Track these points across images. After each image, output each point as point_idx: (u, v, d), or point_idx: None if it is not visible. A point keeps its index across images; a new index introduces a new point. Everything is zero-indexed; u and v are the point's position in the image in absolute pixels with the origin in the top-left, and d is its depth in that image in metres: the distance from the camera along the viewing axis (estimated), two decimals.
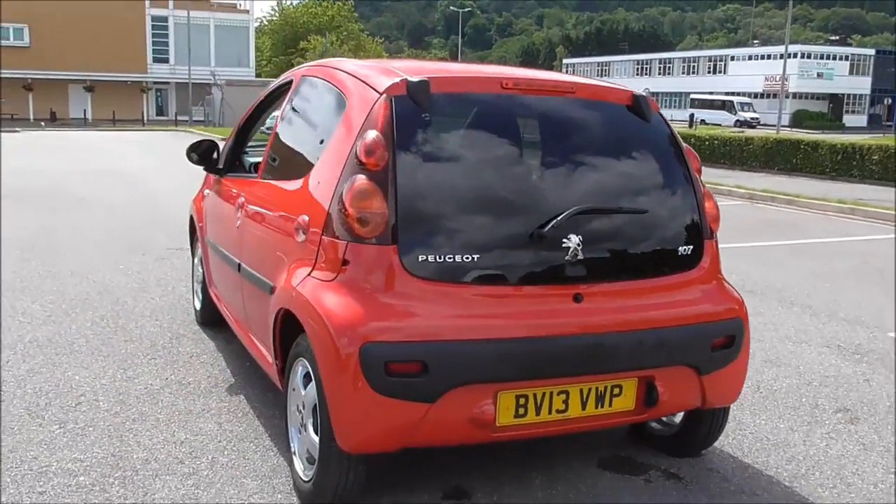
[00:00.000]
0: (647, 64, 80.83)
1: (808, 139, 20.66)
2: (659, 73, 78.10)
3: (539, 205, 2.96)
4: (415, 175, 2.85)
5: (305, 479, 3.05)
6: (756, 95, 63.37)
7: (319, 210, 2.99)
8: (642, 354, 3.02)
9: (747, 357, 3.34)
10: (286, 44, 61.09)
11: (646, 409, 3.09)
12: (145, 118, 49.53)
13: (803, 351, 5.27)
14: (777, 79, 53.22)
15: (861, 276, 7.89)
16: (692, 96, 62.01)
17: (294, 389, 3.18)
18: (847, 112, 66.93)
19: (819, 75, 65.39)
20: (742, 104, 57.73)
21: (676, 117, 53.14)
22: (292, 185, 3.36)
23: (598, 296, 2.98)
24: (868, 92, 69.03)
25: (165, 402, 4.01)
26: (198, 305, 5.41)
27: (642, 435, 3.71)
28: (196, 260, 5.44)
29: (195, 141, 4.71)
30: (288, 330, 3.23)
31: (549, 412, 2.93)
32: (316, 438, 2.95)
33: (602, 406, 3.02)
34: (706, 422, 3.45)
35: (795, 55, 60.43)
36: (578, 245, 2.91)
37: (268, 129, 4.50)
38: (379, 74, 3.12)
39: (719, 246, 3.37)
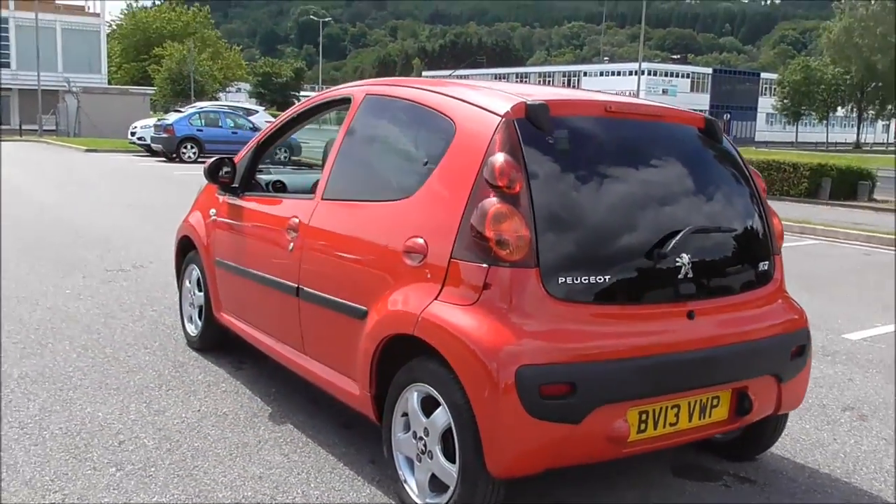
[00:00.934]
0: (504, 78, 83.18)
1: None
2: None
3: (655, 225, 3.06)
4: (548, 197, 2.88)
5: None
6: None
7: (442, 233, 2.96)
8: (741, 366, 3.19)
9: (810, 364, 3.57)
10: (138, 49, 58.39)
11: (737, 417, 3.25)
12: None
13: None
14: (628, 94, 56.21)
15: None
16: None
17: (406, 416, 3.11)
18: None
19: (664, 91, 69.57)
20: None
21: None
22: (387, 207, 3.29)
23: (706, 312, 3.12)
24: (707, 107, 74.11)
25: (213, 435, 3.79)
26: (192, 331, 5.14)
27: (701, 442, 3.87)
28: (189, 284, 5.16)
29: (216, 161, 4.48)
30: (387, 356, 3.17)
31: (664, 426, 3.03)
32: (448, 465, 2.90)
33: (704, 417, 3.15)
34: (770, 427, 3.66)
35: (643, 72, 64.04)
36: (688, 263, 3.04)
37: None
38: (491, 98, 3.12)
39: None
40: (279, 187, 4.74)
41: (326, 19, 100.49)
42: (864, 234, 12.48)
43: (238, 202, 4.48)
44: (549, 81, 77.27)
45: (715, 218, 3.29)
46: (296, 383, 4.43)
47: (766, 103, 71.17)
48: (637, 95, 45.08)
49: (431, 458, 2.98)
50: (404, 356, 3.12)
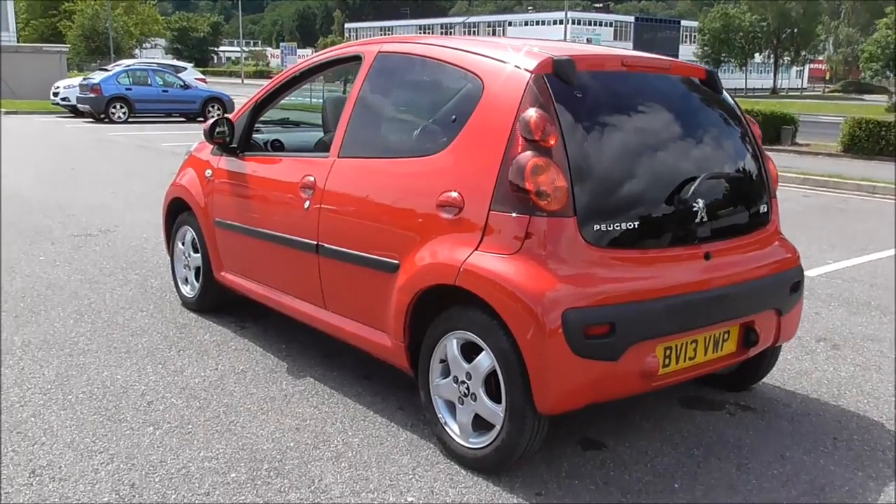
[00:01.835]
0: (428, 29, 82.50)
1: None
2: None
3: (674, 172, 3.26)
4: (580, 148, 3.03)
5: (474, 447, 3.17)
6: None
7: (478, 187, 3.09)
8: (749, 302, 3.44)
9: (803, 298, 3.85)
10: (45, 5, 55.67)
11: (744, 350, 3.51)
12: None
13: None
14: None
15: None
16: None
17: (443, 363, 3.26)
18: None
19: (588, 40, 69.98)
20: None
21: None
22: (415, 163, 3.39)
23: (720, 253, 3.35)
24: None
25: (238, 392, 3.88)
26: (189, 292, 5.16)
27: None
28: (183, 246, 5.16)
29: (214, 120, 4.48)
30: (419, 307, 3.31)
31: (684, 360, 3.26)
32: (493, 405, 3.07)
33: (716, 351, 3.39)
34: (766, 359, 3.94)
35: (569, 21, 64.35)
36: (703, 208, 3.25)
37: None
38: (516, 55, 3.23)
39: None
40: (278, 146, 4.77)
41: None
42: (800, 178, 13.06)
43: (239, 162, 4.50)
44: (475, 32, 76.96)
45: (723, 164, 3.51)
46: (304, 339, 4.53)
47: (687, 51, 72.59)
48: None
49: (475, 399, 3.14)
50: (437, 306, 3.26)
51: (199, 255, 4.98)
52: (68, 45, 46.59)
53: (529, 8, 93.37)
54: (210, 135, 4.46)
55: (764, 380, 4.19)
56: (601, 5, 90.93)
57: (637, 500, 3.02)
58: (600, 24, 71.95)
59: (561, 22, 49.66)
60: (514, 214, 2.98)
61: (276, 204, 4.17)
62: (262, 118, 4.73)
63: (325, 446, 3.36)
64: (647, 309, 3.04)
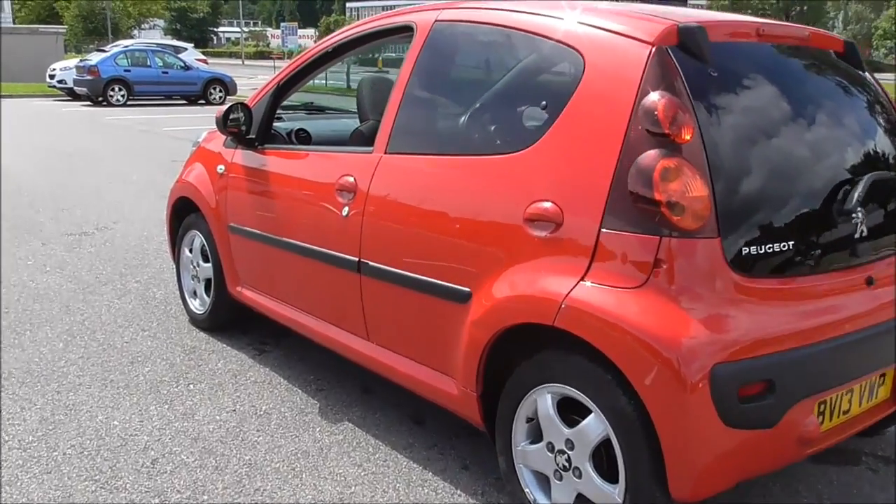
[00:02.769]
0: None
1: None
2: None
3: (833, 174, 2.52)
4: (721, 145, 2.28)
5: None
6: None
7: (583, 196, 2.34)
8: None
9: None
10: None
11: None
12: None
13: None
14: None
15: None
16: None
17: (531, 422, 2.53)
18: None
19: None
20: None
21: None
22: (493, 164, 2.63)
23: (883, 277, 2.60)
24: None
25: (262, 443, 3.15)
26: (198, 308, 4.42)
27: None
28: (190, 253, 4.42)
29: (228, 107, 3.71)
30: (500, 348, 2.57)
31: (838, 415, 2.52)
32: (606, 485, 2.34)
33: (871, 399, 2.65)
34: None
35: None
36: (863, 219, 2.50)
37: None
38: (628, 21, 2.46)
39: None
40: (304, 137, 4.01)
41: None
42: None
43: (258, 157, 3.75)
44: None
45: (884, 162, 2.75)
46: (335, 366, 3.81)
47: None
48: None
49: (579, 476, 2.40)
50: (524, 349, 2.53)
51: (209, 264, 4.24)
52: (66, 27, 45.64)
53: None
54: (223, 123, 3.70)
55: None
56: None
57: None
58: None
59: None
60: (637, 234, 2.23)
61: (306, 209, 3.42)
62: (284, 103, 3.97)
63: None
64: (809, 357, 2.30)
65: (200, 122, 12.83)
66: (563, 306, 2.30)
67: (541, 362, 2.47)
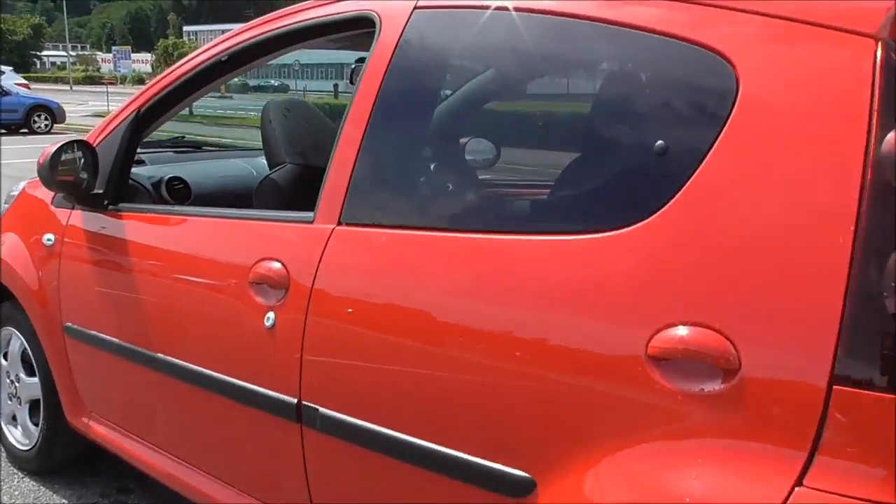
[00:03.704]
0: None
1: None
2: None
3: None
4: None
5: None
6: None
7: (780, 319, 1.24)
8: None
9: None
10: None
11: None
12: None
13: None
14: None
15: None
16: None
17: None
18: None
19: None
20: None
21: (314, 88, 51.70)
22: (566, 250, 1.48)
23: None
24: None
25: None
26: (20, 441, 2.99)
27: None
28: (6, 361, 2.99)
29: (58, 147, 2.36)
30: None
31: None
32: None
33: None
34: None
35: None
36: None
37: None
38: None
39: None
40: (180, 189, 2.71)
41: None
42: None
43: (110, 222, 2.42)
44: None
45: None
46: None
47: None
48: None
49: None
50: None
51: (36, 380, 2.84)
52: None
53: None
54: (50, 172, 2.34)
55: None
56: None
57: None
58: None
59: None
60: None
61: (196, 312, 2.13)
62: (146, 138, 2.66)
63: None
64: None
65: (26, 155, 10.97)
66: None
67: None
